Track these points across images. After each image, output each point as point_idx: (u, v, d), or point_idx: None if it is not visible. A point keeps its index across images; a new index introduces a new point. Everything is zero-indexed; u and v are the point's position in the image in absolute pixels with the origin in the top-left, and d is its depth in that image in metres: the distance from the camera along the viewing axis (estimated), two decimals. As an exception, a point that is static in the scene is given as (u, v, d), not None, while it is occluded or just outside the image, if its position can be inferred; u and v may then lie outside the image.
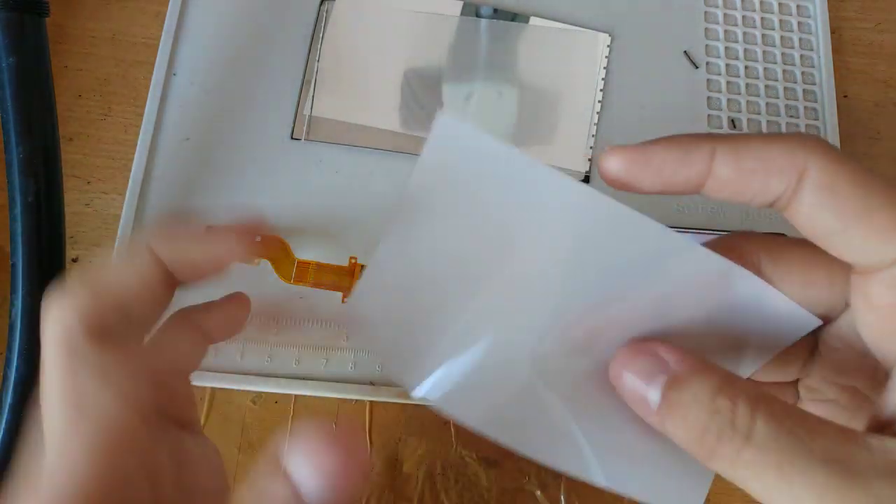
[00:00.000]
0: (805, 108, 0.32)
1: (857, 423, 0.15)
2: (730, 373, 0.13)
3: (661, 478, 0.16)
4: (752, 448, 0.12)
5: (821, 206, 0.13)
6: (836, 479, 0.11)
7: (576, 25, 0.32)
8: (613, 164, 0.15)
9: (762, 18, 0.33)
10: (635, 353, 0.14)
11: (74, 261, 0.28)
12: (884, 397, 0.13)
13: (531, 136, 0.30)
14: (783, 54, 0.33)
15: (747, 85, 0.32)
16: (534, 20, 0.32)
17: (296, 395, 0.27)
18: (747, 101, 0.32)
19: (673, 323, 0.15)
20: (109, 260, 0.17)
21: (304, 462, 0.14)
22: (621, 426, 0.15)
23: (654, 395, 0.13)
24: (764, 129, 0.31)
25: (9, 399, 0.24)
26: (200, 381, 0.27)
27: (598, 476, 0.16)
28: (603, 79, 0.31)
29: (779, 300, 0.15)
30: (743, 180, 0.14)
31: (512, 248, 0.16)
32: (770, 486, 0.12)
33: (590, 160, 0.30)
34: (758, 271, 0.15)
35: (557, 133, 0.30)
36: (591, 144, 0.30)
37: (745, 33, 0.33)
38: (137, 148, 0.29)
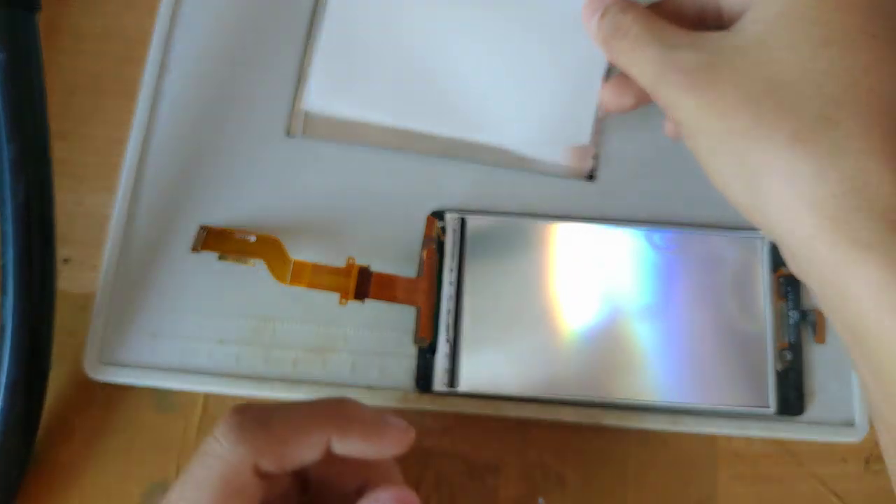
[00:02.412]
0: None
1: None
2: (629, 3, 0.22)
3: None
4: (629, 39, 0.21)
5: None
6: (659, 49, 0.20)
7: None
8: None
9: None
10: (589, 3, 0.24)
11: (66, 261, 0.28)
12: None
13: (534, 132, 0.30)
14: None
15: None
16: (536, 13, 0.31)
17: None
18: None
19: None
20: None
21: None
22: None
23: (594, 20, 0.23)
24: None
25: (0, 402, 0.23)
26: (195, 384, 0.26)
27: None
28: (608, 71, 0.31)
29: None
30: None
31: None
32: (630, 58, 0.21)
33: (593, 158, 0.29)
34: None
35: (561, 130, 0.30)
36: (596, 142, 0.30)
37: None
38: (129, 146, 0.29)
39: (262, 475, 0.18)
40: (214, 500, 0.17)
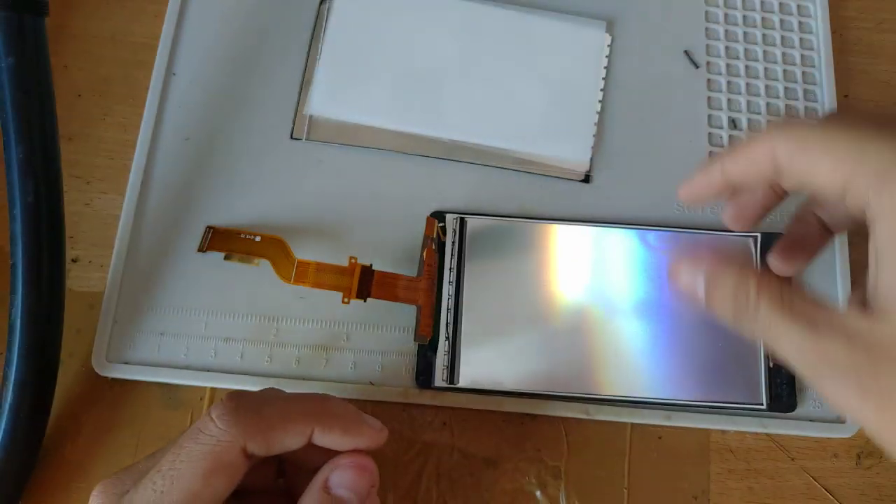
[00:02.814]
0: (806, 108, 0.32)
1: None
2: (743, 268, 0.19)
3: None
4: (759, 322, 0.18)
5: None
6: (802, 334, 0.17)
7: (575, 26, 0.32)
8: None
9: (763, 18, 0.33)
10: (683, 262, 0.21)
11: (74, 261, 0.28)
12: (867, 277, 0.18)
13: (532, 134, 0.30)
14: (784, 54, 0.33)
15: (748, 85, 0.32)
16: (534, 18, 0.32)
17: (296, 396, 0.27)
18: (748, 101, 0.32)
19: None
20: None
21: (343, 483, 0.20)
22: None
23: (700, 289, 0.20)
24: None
25: (9, 399, 0.24)
26: (200, 381, 0.27)
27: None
28: (603, 78, 0.31)
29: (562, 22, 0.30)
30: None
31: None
32: (767, 339, 0.18)
33: (591, 159, 0.30)
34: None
35: (558, 133, 0.30)
36: (592, 145, 0.30)
37: (745, 33, 0.33)
38: (137, 148, 0.29)
39: (248, 456, 0.19)
40: (204, 473, 0.18)
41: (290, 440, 0.20)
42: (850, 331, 0.17)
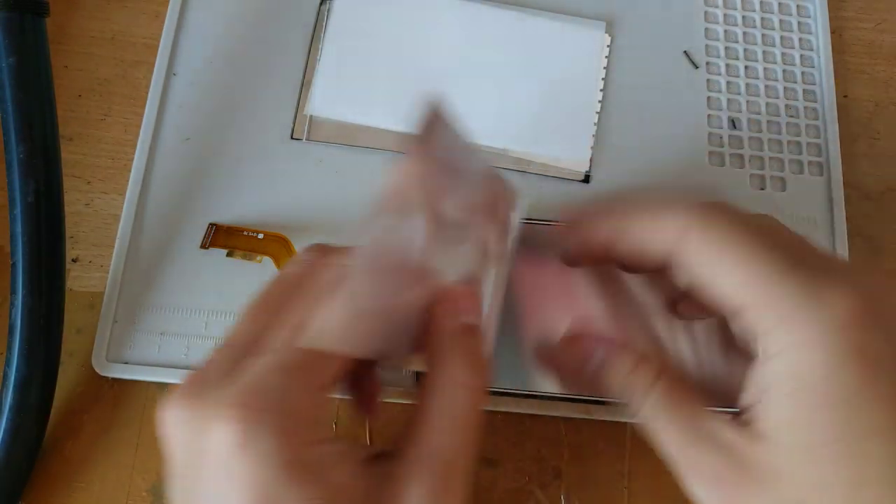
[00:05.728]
0: (805, 107, 0.32)
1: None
2: (640, 356, 0.20)
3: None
4: (649, 400, 0.20)
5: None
6: (686, 431, 0.18)
7: (574, 26, 0.32)
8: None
9: (762, 18, 0.33)
10: (572, 342, 0.22)
11: (74, 261, 0.28)
12: (747, 393, 0.18)
13: (531, 134, 0.30)
14: (783, 54, 0.33)
15: (747, 85, 0.32)
16: (534, 19, 0.32)
17: (296, 395, 0.27)
18: (747, 101, 0.32)
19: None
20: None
21: None
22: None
23: (590, 365, 0.21)
24: (764, 129, 0.31)
25: (9, 399, 0.24)
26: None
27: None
28: (603, 79, 0.31)
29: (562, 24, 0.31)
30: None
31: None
32: (655, 424, 0.19)
33: (590, 159, 0.30)
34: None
35: (557, 133, 0.30)
36: (592, 145, 0.30)
37: (745, 33, 0.33)
38: (137, 148, 0.29)
39: None
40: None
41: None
42: (728, 442, 0.18)
